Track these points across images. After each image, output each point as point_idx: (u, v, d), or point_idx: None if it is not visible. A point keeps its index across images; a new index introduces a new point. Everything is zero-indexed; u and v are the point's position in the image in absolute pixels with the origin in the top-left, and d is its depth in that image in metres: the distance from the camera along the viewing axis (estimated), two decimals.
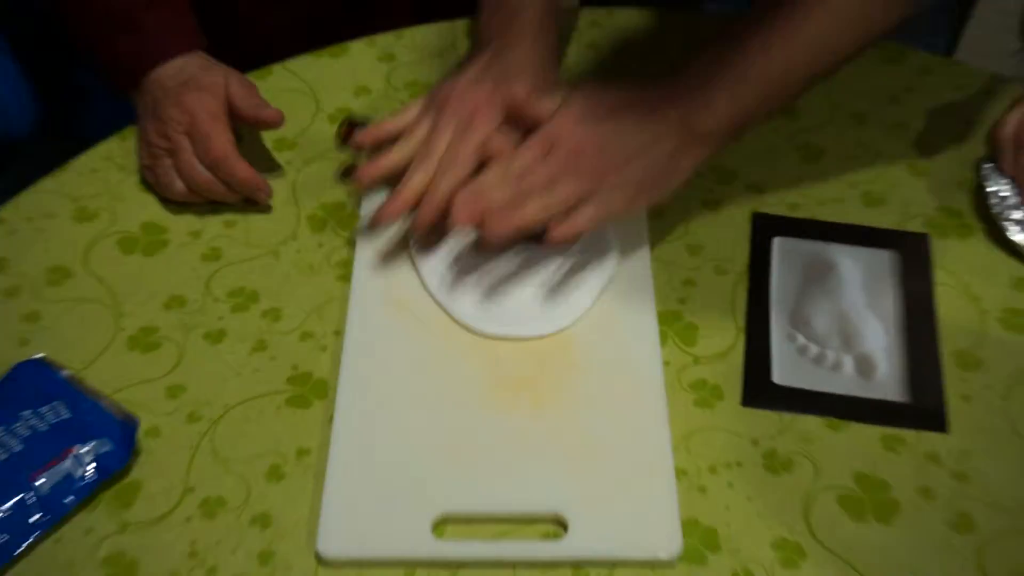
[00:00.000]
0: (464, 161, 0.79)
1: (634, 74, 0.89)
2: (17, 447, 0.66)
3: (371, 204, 0.85)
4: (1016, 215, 0.82)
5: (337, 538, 0.63)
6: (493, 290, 0.79)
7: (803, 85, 0.78)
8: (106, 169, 0.88)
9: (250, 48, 0.99)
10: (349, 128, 0.87)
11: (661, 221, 0.85)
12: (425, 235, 0.80)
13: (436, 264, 0.80)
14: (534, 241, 0.79)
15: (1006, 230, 0.82)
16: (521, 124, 0.81)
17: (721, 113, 0.77)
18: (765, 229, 0.85)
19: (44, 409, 0.68)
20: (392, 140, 0.82)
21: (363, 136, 0.83)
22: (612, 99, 0.80)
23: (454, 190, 0.76)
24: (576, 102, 0.79)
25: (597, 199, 0.75)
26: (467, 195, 0.75)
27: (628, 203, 0.76)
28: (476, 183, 0.76)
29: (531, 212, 0.73)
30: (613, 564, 0.63)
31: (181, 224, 0.85)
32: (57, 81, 1.11)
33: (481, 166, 0.78)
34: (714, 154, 0.78)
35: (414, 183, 0.78)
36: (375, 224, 0.81)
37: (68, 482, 0.65)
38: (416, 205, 0.78)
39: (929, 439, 0.71)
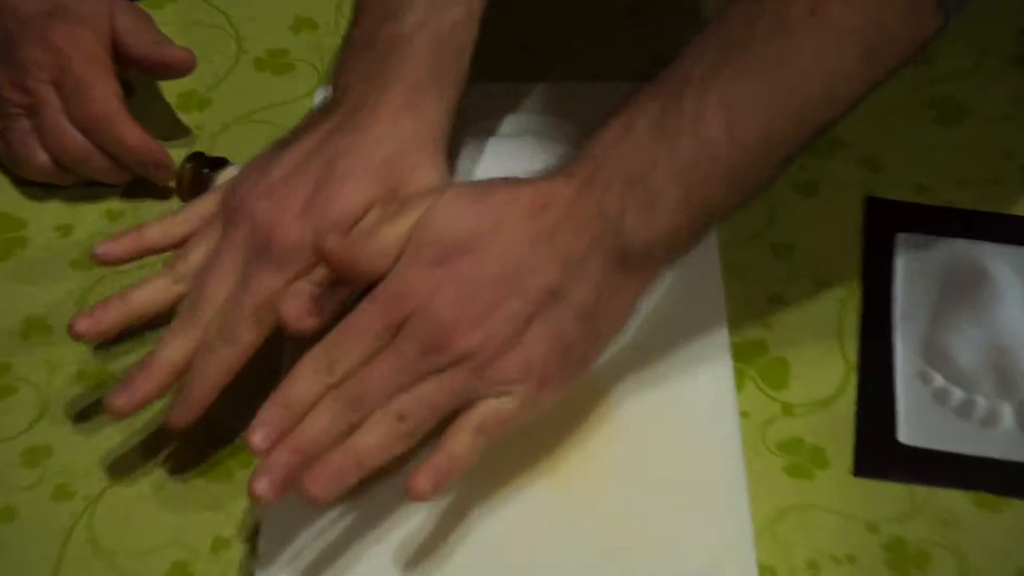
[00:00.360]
0: (245, 322, 0.75)
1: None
2: None
3: None
4: None
5: None
6: None
7: (795, 147, 0.76)
8: None
9: None
10: (194, 170, 0.87)
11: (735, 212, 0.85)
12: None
13: None
14: None
15: None
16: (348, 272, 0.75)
17: (665, 217, 0.73)
18: (885, 221, 0.87)
19: None
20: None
21: (110, 248, 0.78)
22: (489, 213, 0.74)
23: (211, 391, 0.73)
24: (432, 225, 0.73)
25: (479, 408, 0.70)
26: (270, 427, 0.69)
27: (526, 407, 0.70)
28: (277, 398, 0.71)
29: (373, 444, 0.68)
30: None
31: (45, 215, 0.89)
32: None
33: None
34: (655, 282, 0.76)
35: (166, 356, 0.74)
36: (111, 413, 0.75)
37: None
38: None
39: None
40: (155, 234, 0.78)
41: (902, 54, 0.75)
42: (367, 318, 0.69)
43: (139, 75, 0.92)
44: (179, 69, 0.91)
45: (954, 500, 0.73)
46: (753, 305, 0.84)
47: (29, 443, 0.75)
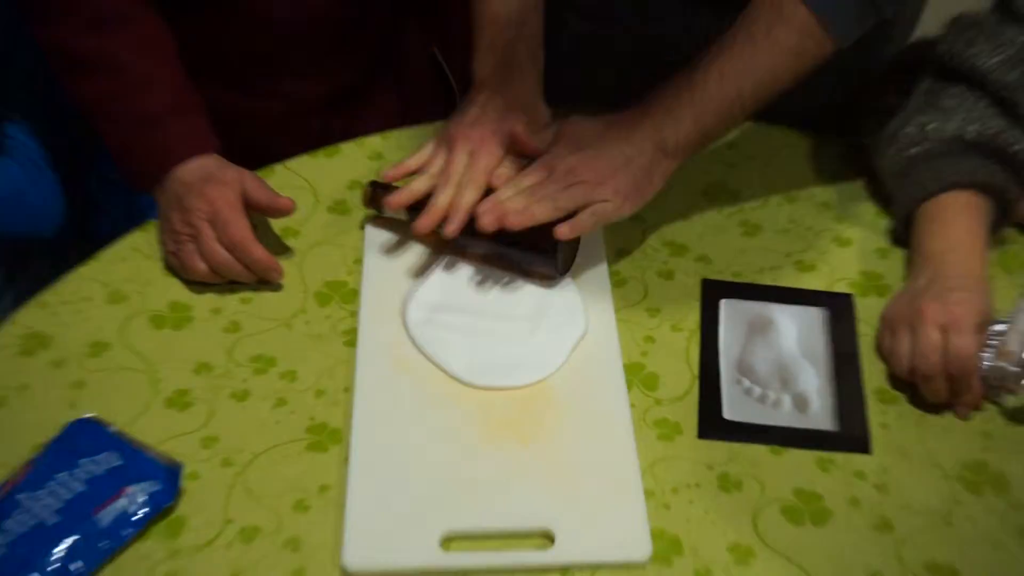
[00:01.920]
0: (478, 182, 0.93)
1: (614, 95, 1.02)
2: (80, 488, 0.77)
3: (371, 278, 0.97)
4: None
5: (359, 554, 0.74)
6: (479, 349, 0.90)
7: (752, 106, 0.92)
8: (133, 258, 0.99)
9: (247, 143, 1.06)
10: (373, 189, 0.99)
11: (624, 289, 0.97)
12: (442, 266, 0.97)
13: (429, 329, 0.91)
14: (522, 274, 0.96)
15: None
16: (521, 155, 0.96)
17: (685, 132, 0.91)
18: (713, 293, 0.96)
19: (99, 457, 0.79)
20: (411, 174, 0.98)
21: (367, 195, 0.98)
22: (594, 126, 0.94)
23: (472, 205, 0.91)
24: (565, 132, 0.94)
25: (592, 207, 0.90)
26: (489, 204, 0.90)
27: (616, 210, 0.91)
28: (494, 196, 0.91)
29: (541, 212, 0.89)
30: (595, 567, 0.74)
31: (204, 302, 0.95)
32: (74, 188, 1.20)
33: (489, 191, 0.93)
34: (682, 164, 0.93)
35: (441, 201, 0.91)
36: (417, 232, 0.95)
37: (124, 517, 0.76)
38: (442, 219, 0.92)
39: (855, 460, 0.83)
40: (411, 162, 0.98)
41: (812, 61, 0.91)
42: (536, 170, 0.93)
43: (257, 217, 0.97)
44: (286, 210, 0.97)
45: (756, 451, 0.84)
46: (636, 342, 0.93)
47: (203, 435, 0.83)
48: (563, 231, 0.88)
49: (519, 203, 0.90)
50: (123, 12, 1.00)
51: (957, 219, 0.93)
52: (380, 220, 1.01)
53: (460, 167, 0.94)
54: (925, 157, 0.96)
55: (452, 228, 0.91)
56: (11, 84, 1.14)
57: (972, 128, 0.94)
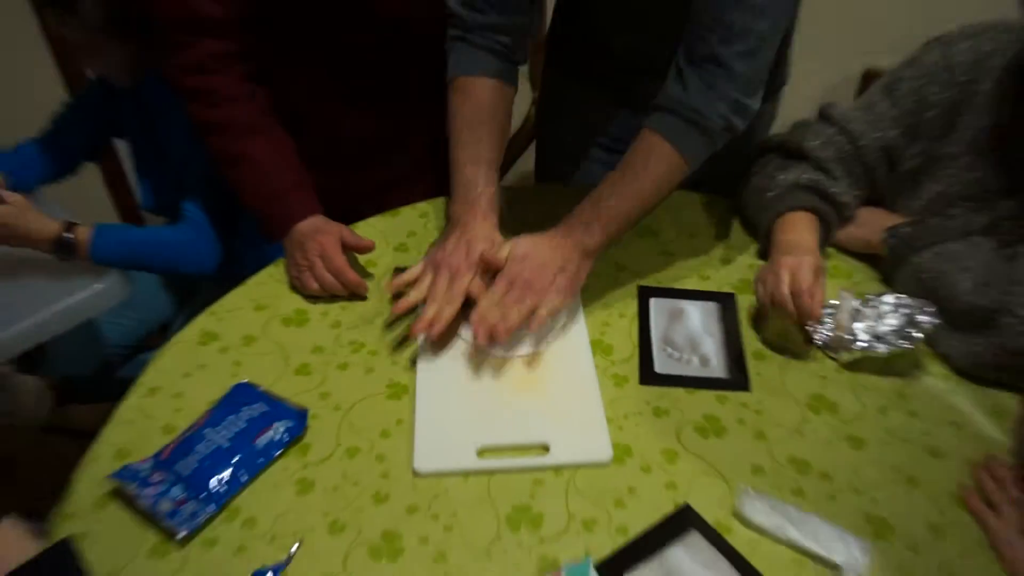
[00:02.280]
0: (455, 301, 0.87)
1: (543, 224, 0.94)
2: (243, 425, 0.80)
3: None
4: None
5: (424, 461, 0.77)
6: None
7: (640, 216, 0.90)
8: (268, 282, 1.01)
9: (341, 208, 1.04)
10: (396, 273, 0.96)
11: (588, 293, 0.97)
12: (437, 344, 0.88)
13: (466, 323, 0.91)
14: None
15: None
16: (487, 270, 0.89)
17: (598, 240, 0.88)
18: (645, 294, 0.98)
19: (254, 406, 0.82)
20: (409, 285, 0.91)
21: (389, 286, 0.91)
22: (536, 244, 0.88)
23: (451, 318, 0.86)
24: (517, 252, 0.88)
25: (545, 303, 0.85)
26: (477, 322, 0.83)
27: (561, 304, 0.87)
28: (478, 313, 0.84)
29: (515, 319, 0.84)
30: (576, 467, 0.77)
31: (316, 308, 0.96)
32: (227, 242, 1.21)
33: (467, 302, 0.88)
34: (596, 262, 0.90)
35: (428, 313, 0.85)
36: (412, 333, 0.87)
37: (272, 443, 0.79)
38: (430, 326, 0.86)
39: (741, 396, 0.85)
40: (406, 277, 0.90)
41: (678, 178, 0.89)
42: (501, 283, 0.86)
43: (350, 254, 0.97)
44: (366, 250, 0.98)
45: (677, 392, 0.85)
46: (597, 325, 0.92)
47: (320, 391, 0.84)
48: (532, 327, 0.85)
49: (496, 315, 0.84)
50: (258, 125, 1.03)
51: (797, 225, 0.95)
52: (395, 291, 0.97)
53: (443, 288, 0.88)
54: (776, 195, 0.98)
55: (435, 335, 0.86)
56: (190, 176, 1.15)
57: (804, 177, 0.97)
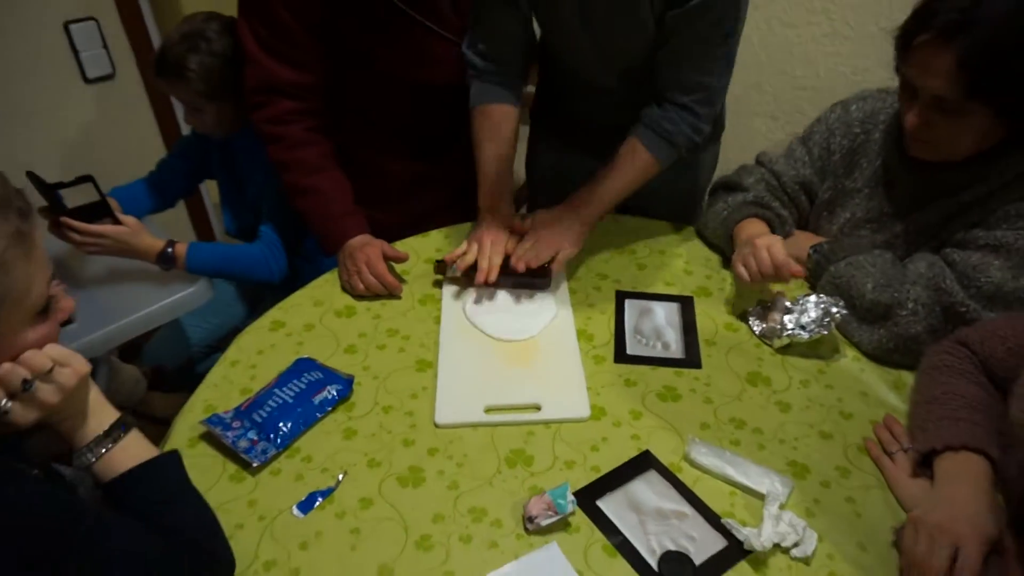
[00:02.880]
0: (499, 254, 1.02)
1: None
2: (303, 387, 0.88)
3: (449, 294, 1.04)
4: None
5: (444, 416, 0.85)
6: (502, 322, 0.99)
7: (621, 198, 1.03)
8: (324, 285, 1.08)
9: (384, 230, 1.12)
10: (439, 264, 1.06)
11: (576, 296, 1.04)
12: (481, 288, 1.01)
13: (478, 314, 1.00)
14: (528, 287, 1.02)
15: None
16: (515, 234, 1.05)
17: (592, 215, 1.03)
18: (621, 297, 1.04)
19: (312, 373, 0.90)
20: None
21: (457, 265, 1.02)
22: (550, 215, 1.04)
23: (498, 264, 1.00)
24: (537, 219, 1.04)
25: (562, 251, 1.01)
26: (516, 260, 1.00)
27: (571, 253, 1.02)
28: (515, 256, 1.01)
29: (543, 255, 1.00)
30: (561, 422, 0.84)
31: (362, 305, 1.03)
32: (291, 256, 1.29)
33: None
34: (583, 272, 1.02)
35: (483, 264, 1.01)
36: (476, 281, 1.00)
37: (326, 400, 0.87)
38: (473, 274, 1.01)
39: (694, 372, 0.92)
40: (458, 252, 1.03)
41: (652, 173, 1.01)
42: (530, 238, 1.01)
43: (389, 263, 1.03)
44: (403, 260, 1.04)
45: (643, 369, 0.92)
46: (582, 319, 0.98)
47: (363, 365, 0.91)
48: (556, 266, 1.00)
49: (532, 255, 1.01)
50: (321, 165, 1.12)
51: (751, 225, 1.04)
52: (445, 279, 1.08)
53: (488, 248, 1.03)
54: (730, 212, 1.07)
55: (493, 276, 1.01)
56: (264, 206, 1.24)
57: (749, 196, 1.06)
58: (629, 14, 0.91)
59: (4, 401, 0.56)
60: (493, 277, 0.99)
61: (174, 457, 0.67)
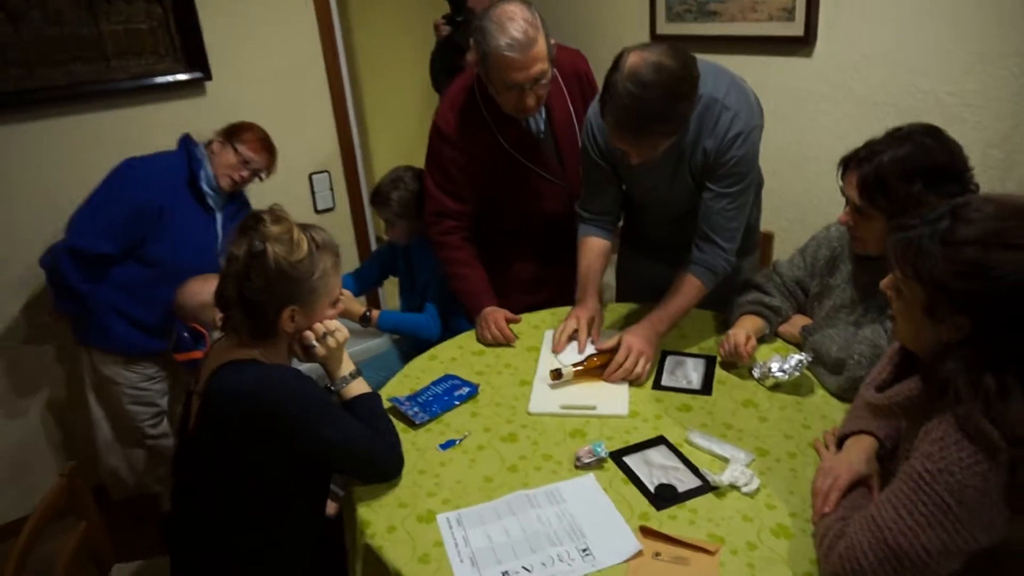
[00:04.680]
0: (584, 341, 1.43)
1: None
2: (447, 386, 1.38)
3: (545, 353, 1.49)
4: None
5: (535, 406, 1.30)
6: (585, 395, 1.41)
7: (682, 315, 1.40)
8: (463, 338, 1.58)
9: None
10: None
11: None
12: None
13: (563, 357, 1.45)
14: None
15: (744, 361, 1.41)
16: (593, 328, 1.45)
17: (662, 330, 1.36)
18: (664, 354, 1.43)
19: (453, 380, 1.39)
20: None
21: (555, 347, 1.44)
22: (635, 332, 1.34)
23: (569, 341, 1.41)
24: (628, 334, 1.34)
25: (643, 360, 1.32)
26: (616, 375, 1.32)
27: (651, 359, 1.34)
28: (610, 369, 1.32)
29: (639, 371, 1.33)
30: (608, 416, 1.26)
31: (489, 350, 1.51)
32: (444, 322, 1.84)
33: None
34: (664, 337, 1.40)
35: (562, 341, 1.43)
36: (554, 349, 1.43)
37: (460, 395, 1.35)
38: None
39: (704, 397, 1.31)
40: (559, 333, 1.44)
41: (700, 298, 1.36)
42: (623, 351, 1.34)
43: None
44: (516, 322, 1.50)
45: (671, 394, 1.29)
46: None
47: (486, 380, 1.39)
48: (641, 379, 1.33)
49: (627, 369, 1.32)
50: (469, 262, 1.68)
51: (744, 321, 1.44)
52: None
53: (583, 337, 1.44)
54: (737, 308, 1.47)
55: (561, 348, 1.45)
56: (430, 291, 1.82)
57: (752, 297, 1.48)
58: (678, 180, 1.42)
59: (314, 342, 1.16)
60: (561, 347, 1.42)
61: (376, 395, 1.22)
